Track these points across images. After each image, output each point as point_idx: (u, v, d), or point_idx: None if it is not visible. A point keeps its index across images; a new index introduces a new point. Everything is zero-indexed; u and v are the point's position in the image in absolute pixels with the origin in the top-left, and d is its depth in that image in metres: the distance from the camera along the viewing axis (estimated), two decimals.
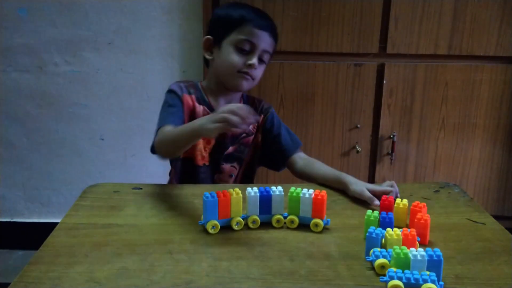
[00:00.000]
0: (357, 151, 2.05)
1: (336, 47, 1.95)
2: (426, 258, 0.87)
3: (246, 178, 1.52)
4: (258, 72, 1.40)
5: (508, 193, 2.14)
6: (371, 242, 0.97)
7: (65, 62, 2.15)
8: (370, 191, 1.23)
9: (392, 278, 0.85)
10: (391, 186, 1.25)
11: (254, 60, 1.37)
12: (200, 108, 1.42)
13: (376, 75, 1.99)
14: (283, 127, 1.52)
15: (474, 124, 2.05)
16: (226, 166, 1.46)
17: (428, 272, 0.86)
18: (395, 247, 0.90)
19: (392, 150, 2.04)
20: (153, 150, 1.29)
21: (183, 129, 1.17)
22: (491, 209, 2.12)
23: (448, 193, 1.31)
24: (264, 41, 1.37)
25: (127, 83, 2.19)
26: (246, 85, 1.40)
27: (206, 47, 1.44)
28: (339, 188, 1.30)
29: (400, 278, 0.85)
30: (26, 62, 2.15)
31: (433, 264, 0.87)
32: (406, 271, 0.86)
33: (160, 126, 1.29)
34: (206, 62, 1.50)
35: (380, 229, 0.99)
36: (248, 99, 1.52)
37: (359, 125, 2.03)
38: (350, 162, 2.07)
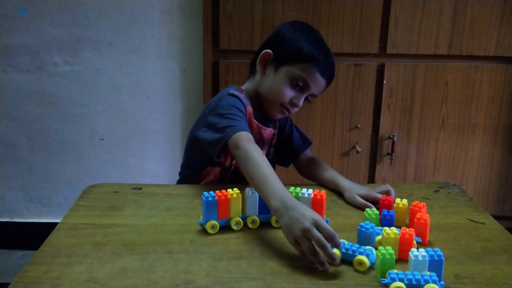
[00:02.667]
0: (357, 151, 2.05)
1: (336, 47, 1.95)
2: (427, 259, 0.87)
3: None
4: (296, 109, 1.37)
5: (508, 193, 2.14)
6: (361, 235, 0.99)
7: (65, 62, 2.15)
8: (362, 196, 1.22)
9: (393, 280, 0.85)
10: (387, 190, 1.23)
11: (301, 102, 1.33)
12: (254, 123, 1.37)
13: (376, 75, 1.99)
14: (294, 126, 1.53)
15: (474, 124, 2.05)
16: None
17: (428, 273, 0.86)
18: (380, 248, 0.91)
19: (392, 150, 2.04)
20: (222, 143, 1.21)
21: (262, 184, 1.05)
22: (491, 209, 2.12)
23: (448, 193, 1.31)
24: (319, 86, 1.33)
25: (127, 83, 2.18)
26: (280, 117, 1.38)
27: (263, 61, 1.35)
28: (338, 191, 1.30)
29: (401, 280, 0.84)
30: (26, 62, 2.15)
31: (434, 264, 0.87)
32: (407, 272, 0.86)
33: (236, 131, 1.20)
34: (252, 69, 1.42)
35: (373, 225, 0.99)
36: None
37: (359, 125, 2.03)
38: (350, 162, 2.07)
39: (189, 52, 2.14)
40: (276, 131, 1.47)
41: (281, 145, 1.50)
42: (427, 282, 0.84)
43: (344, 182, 1.29)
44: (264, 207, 1.10)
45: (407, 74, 1.99)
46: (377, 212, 1.09)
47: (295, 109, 1.36)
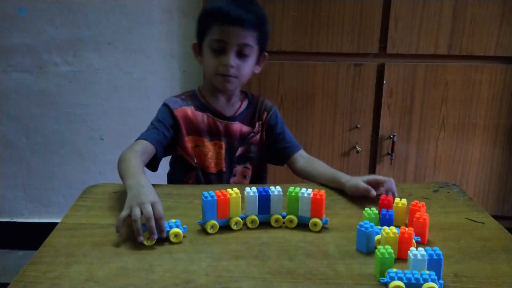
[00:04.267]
0: (357, 151, 2.05)
1: (336, 47, 1.95)
2: (427, 258, 0.87)
3: (259, 177, 1.52)
4: (243, 68, 1.35)
5: (508, 193, 2.14)
6: (361, 235, 0.99)
7: (65, 62, 2.15)
8: (365, 182, 1.22)
9: (392, 279, 0.85)
10: (389, 180, 1.24)
11: (228, 60, 1.32)
12: (201, 116, 1.42)
13: (376, 75, 1.99)
14: (286, 128, 1.52)
15: (474, 124, 2.05)
16: (239, 168, 1.46)
17: (427, 272, 0.86)
18: (379, 247, 0.91)
19: (392, 150, 2.04)
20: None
21: (125, 170, 1.19)
22: (491, 209, 2.12)
23: (447, 193, 1.30)
24: (237, 36, 1.31)
25: (127, 83, 2.19)
26: (230, 85, 1.37)
27: (196, 52, 1.44)
28: (338, 188, 1.30)
29: (400, 279, 0.85)
30: (26, 62, 2.15)
31: (433, 263, 0.87)
32: (406, 271, 0.86)
33: (139, 137, 1.35)
34: None
35: (372, 224, 0.99)
36: (252, 98, 1.50)
37: (359, 125, 2.03)
38: (350, 162, 2.07)
39: (189, 52, 2.14)
40: (257, 129, 1.46)
41: (273, 144, 1.49)
42: (426, 281, 0.84)
43: (345, 176, 1.29)
44: (263, 207, 1.10)
45: (407, 74, 1.99)
46: (377, 211, 1.09)
47: (232, 70, 1.33)
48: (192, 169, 1.44)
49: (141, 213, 1.01)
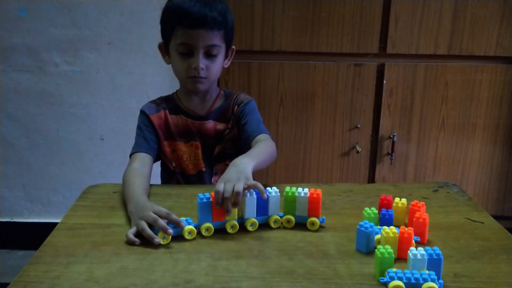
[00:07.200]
0: (357, 151, 2.05)
1: (336, 47, 1.95)
2: (426, 258, 0.87)
3: None
4: (213, 68, 1.33)
5: (508, 193, 2.14)
6: (360, 235, 0.99)
7: (65, 62, 2.15)
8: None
9: (392, 278, 0.85)
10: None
11: (197, 63, 1.30)
12: (175, 118, 1.42)
13: (376, 75, 1.99)
14: (254, 117, 1.44)
15: (474, 124, 2.05)
16: (220, 166, 1.46)
17: (427, 271, 0.86)
18: (379, 247, 0.91)
19: (392, 150, 2.04)
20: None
21: (126, 195, 1.18)
22: (491, 209, 2.12)
23: (447, 193, 1.31)
24: (202, 38, 1.28)
25: (127, 83, 2.19)
26: (202, 86, 1.36)
27: (162, 53, 1.41)
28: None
29: (400, 278, 0.85)
30: (26, 62, 2.15)
31: (433, 263, 0.87)
32: (405, 270, 0.86)
33: (133, 152, 1.36)
34: None
35: (372, 224, 0.99)
36: (229, 94, 1.48)
37: (359, 125, 2.03)
38: (350, 162, 2.07)
39: None
40: (231, 125, 1.44)
41: (241, 136, 1.44)
42: (425, 280, 0.84)
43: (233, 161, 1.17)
44: (261, 209, 1.09)
45: (407, 74, 1.99)
46: (376, 211, 1.09)
47: (202, 72, 1.32)
48: (173, 173, 1.45)
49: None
